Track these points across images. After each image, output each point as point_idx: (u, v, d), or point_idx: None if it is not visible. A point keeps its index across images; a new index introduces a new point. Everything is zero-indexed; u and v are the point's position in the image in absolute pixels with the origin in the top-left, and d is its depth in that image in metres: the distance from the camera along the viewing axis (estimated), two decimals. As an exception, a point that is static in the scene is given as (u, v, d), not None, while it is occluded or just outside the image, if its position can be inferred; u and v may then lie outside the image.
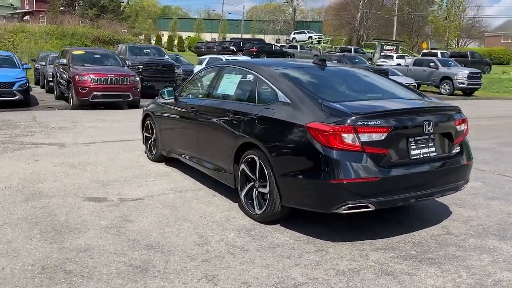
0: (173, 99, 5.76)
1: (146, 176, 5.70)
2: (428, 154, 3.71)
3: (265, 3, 67.57)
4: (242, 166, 4.25)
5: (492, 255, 3.50)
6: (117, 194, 4.92)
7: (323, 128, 3.43)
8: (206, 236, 3.79)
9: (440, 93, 22.81)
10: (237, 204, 4.61)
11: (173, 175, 5.74)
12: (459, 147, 3.97)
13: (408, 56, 34.65)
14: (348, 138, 3.37)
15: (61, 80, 13.79)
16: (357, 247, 3.61)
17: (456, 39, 51.07)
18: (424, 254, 3.49)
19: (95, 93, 12.27)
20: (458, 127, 3.93)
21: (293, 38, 47.55)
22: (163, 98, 5.80)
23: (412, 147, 3.62)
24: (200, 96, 5.41)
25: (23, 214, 4.23)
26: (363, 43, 45.58)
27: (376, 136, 3.43)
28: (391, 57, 33.87)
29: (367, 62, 25.42)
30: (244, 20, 65.79)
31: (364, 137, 3.40)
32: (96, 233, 3.81)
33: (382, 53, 35.32)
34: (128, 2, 60.54)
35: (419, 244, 3.69)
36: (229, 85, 4.78)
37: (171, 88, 5.85)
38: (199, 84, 5.75)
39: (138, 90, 13.09)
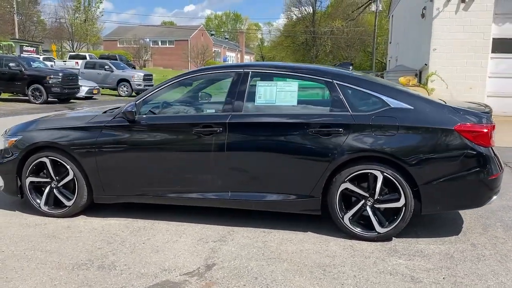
0: (128, 122, 4.01)
1: (120, 245, 3.77)
2: None
3: None
4: (345, 185, 3.71)
5: None
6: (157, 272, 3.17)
7: (478, 129, 3.59)
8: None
9: (119, 95, 23.08)
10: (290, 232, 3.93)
11: (155, 227, 4.04)
12: None
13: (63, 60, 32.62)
14: (491, 135, 3.71)
15: None
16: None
17: (81, 42, 51.12)
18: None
19: None
20: None
21: None
22: (113, 120, 3.96)
23: None
24: (208, 110, 4.07)
25: None
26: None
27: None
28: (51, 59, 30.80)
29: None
30: None
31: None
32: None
33: (22, 55, 31.49)
34: None
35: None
36: (281, 94, 3.88)
37: (132, 104, 4.00)
38: (188, 99, 4.23)
39: None
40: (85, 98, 20.21)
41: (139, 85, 23.24)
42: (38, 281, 3.01)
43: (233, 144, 3.85)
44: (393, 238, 3.79)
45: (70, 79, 18.09)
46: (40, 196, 4.27)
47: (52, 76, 17.29)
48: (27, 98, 17.31)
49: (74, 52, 47.43)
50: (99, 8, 42.48)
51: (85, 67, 23.57)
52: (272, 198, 3.89)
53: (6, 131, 4.58)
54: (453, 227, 4.12)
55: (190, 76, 4.31)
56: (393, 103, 3.75)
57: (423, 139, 3.62)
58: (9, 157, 4.27)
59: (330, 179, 3.75)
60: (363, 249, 3.61)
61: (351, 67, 4.53)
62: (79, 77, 19.94)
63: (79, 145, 4.08)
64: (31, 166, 4.21)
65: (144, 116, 4.06)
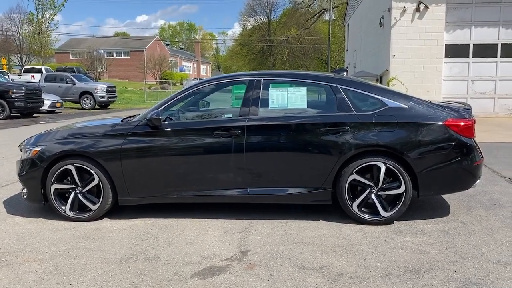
0: (151, 128, 4.34)
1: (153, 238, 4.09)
2: None
3: None
4: (353, 177, 4.22)
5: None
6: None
7: (464, 123, 4.20)
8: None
9: (82, 108, 22.79)
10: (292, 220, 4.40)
11: (181, 224, 4.38)
12: None
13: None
14: (473, 128, 4.33)
15: None
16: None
17: (31, 55, 48.96)
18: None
19: None
20: None
21: None
22: (137, 127, 4.33)
23: None
24: (226, 115, 4.45)
25: None
26: None
27: (467, 124, 4.51)
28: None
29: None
30: None
31: (471, 126, 4.45)
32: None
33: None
34: None
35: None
36: (291, 98, 4.34)
37: (157, 111, 4.32)
38: (205, 105, 4.60)
39: None
40: (48, 112, 19.89)
41: (103, 97, 23.05)
42: (95, 273, 3.30)
43: (251, 145, 4.27)
44: (394, 221, 4.33)
45: (34, 93, 17.75)
46: (65, 203, 4.49)
47: (15, 91, 16.95)
48: (-12, 113, 16.85)
49: (23, 65, 45.84)
50: (53, 20, 41.30)
51: (46, 80, 23.10)
52: (287, 192, 4.33)
53: (24, 142, 4.76)
54: (442, 210, 4.72)
55: (205, 85, 4.69)
56: (390, 103, 4.31)
57: (418, 133, 4.19)
58: (34, 166, 4.47)
59: (339, 172, 4.24)
60: (372, 231, 4.11)
61: (345, 73, 5.07)
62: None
63: (105, 152, 4.35)
64: (56, 174, 4.43)
65: (166, 122, 4.40)
